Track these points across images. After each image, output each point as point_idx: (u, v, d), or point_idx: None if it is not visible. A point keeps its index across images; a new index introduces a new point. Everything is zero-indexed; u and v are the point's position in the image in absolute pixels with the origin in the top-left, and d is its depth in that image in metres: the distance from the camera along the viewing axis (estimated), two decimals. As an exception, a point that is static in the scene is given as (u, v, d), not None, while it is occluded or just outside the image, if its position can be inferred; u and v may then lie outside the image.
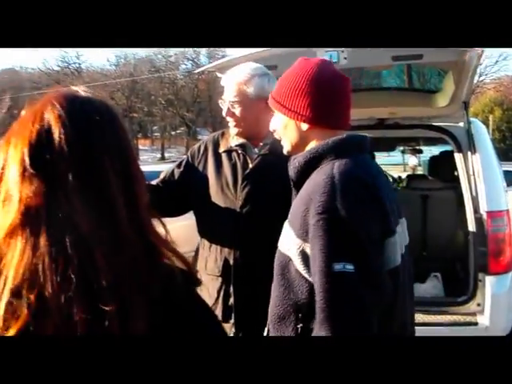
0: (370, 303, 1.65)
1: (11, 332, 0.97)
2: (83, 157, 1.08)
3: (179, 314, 1.13)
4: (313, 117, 1.88)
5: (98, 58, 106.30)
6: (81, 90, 1.18)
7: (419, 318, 4.29)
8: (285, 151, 2.05)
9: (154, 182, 2.91)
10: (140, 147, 51.18)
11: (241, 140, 2.83)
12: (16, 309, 0.98)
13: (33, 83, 48.30)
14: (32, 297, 0.99)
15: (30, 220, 1.04)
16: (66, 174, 1.06)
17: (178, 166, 2.97)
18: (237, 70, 2.81)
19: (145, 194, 1.16)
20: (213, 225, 2.84)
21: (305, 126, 1.90)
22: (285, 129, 1.97)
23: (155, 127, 55.82)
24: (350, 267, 1.63)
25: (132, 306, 1.04)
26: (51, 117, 1.09)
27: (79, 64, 53.51)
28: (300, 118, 1.89)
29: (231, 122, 2.79)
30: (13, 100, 39.22)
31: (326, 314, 1.64)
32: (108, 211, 1.08)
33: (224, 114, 2.79)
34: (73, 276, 1.00)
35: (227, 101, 2.77)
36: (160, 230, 1.18)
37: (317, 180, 1.79)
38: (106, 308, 1.01)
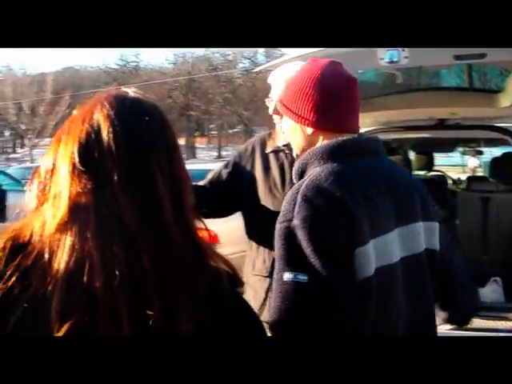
0: (325, 312, 1.61)
1: (65, 328, 0.98)
2: (131, 156, 1.09)
3: (225, 316, 1.13)
4: (316, 120, 1.83)
5: (156, 57, 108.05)
6: (131, 91, 1.19)
7: (477, 323, 4.20)
8: (294, 154, 2.05)
9: (201, 183, 2.91)
10: (197, 145, 51.77)
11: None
12: (68, 304, 0.99)
13: (92, 81, 49.42)
14: (82, 292, 1.00)
15: (79, 216, 1.05)
16: (114, 172, 1.07)
17: (226, 166, 2.97)
18: (284, 68, 2.79)
19: (190, 196, 1.16)
20: (261, 226, 2.80)
21: (309, 130, 1.86)
22: (292, 132, 1.93)
23: (212, 125, 56.35)
24: (302, 277, 1.61)
25: (178, 306, 1.05)
26: (100, 116, 1.11)
27: (137, 62, 54.52)
28: (304, 121, 1.85)
29: (278, 120, 2.76)
30: (72, 98, 40.26)
31: (272, 319, 1.62)
32: (155, 211, 1.09)
33: (270, 112, 2.76)
34: (118, 272, 1.01)
35: (274, 99, 2.74)
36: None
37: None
38: (151, 307, 1.01)
